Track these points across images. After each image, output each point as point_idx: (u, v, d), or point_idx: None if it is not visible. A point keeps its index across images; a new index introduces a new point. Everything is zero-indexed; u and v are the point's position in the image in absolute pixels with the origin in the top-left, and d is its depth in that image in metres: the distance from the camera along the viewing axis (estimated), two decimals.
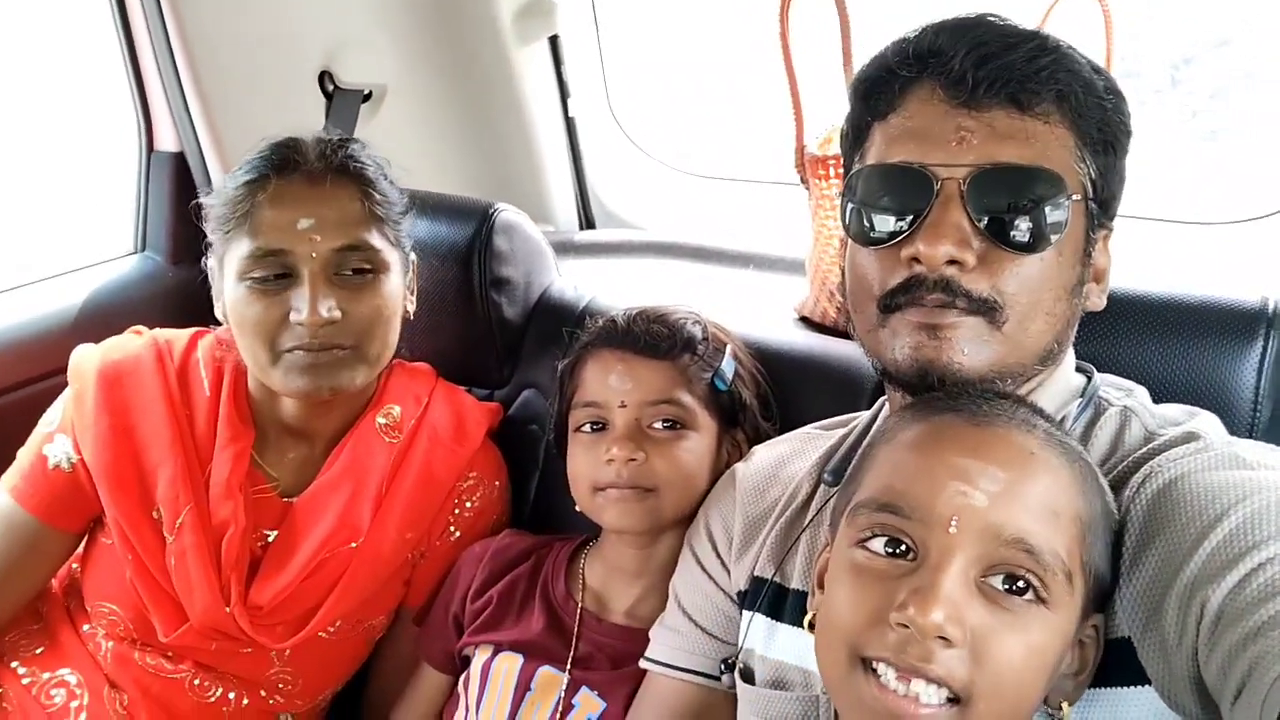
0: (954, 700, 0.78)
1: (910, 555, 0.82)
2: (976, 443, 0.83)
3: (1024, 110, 0.93)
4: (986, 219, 0.92)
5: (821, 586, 0.91)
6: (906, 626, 0.78)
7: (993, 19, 0.96)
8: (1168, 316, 1.14)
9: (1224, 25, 2.07)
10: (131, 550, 1.35)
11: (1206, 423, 0.97)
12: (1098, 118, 0.95)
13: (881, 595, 0.81)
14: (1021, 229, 0.92)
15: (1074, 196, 0.94)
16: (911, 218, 0.94)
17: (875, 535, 0.84)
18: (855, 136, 1.04)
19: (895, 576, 0.81)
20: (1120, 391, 1.02)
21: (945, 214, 0.92)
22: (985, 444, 0.83)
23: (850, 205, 0.99)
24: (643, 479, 1.27)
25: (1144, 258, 1.62)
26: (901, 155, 0.96)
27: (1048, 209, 0.92)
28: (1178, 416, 0.98)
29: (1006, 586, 0.80)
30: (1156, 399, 1.03)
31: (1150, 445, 0.94)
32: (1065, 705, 0.86)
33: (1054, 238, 0.92)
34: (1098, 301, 1.03)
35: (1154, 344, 1.13)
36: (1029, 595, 0.80)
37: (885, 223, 0.96)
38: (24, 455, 1.41)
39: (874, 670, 0.80)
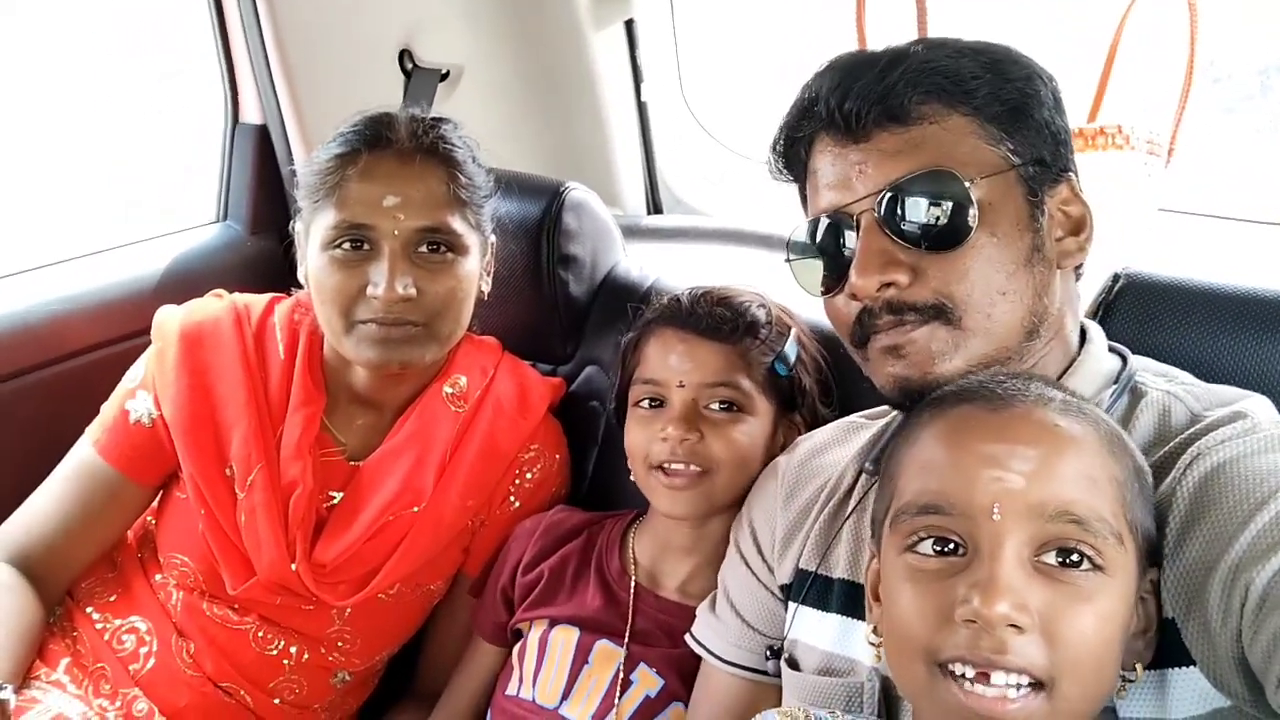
0: (1037, 685, 0.77)
1: (960, 552, 0.82)
2: (999, 427, 0.83)
3: (904, 122, 0.97)
4: (905, 233, 0.96)
5: (877, 598, 0.91)
6: (974, 621, 0.77)
7: (850, 52, 1.02)
8: (1240, 310, 1.11)
9: None
10: (205, 505, 1.40)
11: (1256, 404, 0.95)
12: (985, 93, 0.97)
13: (941, 594, 0.80)
14: (937, 229, 0.95)
15: (983, 177, 0.95)
16: (846, 261, 0.99)
17: (922, 539, 0.84)
18: (803, 199, 1.10)
19: (951, 574, 0.81)
20: (1161, 378, 1.01)
21: (868, 245, 0.97)
22: (1008, 426, 0.83)
23: (799, 262, 1.06)
24: (697, 458, 1.27)
25: (1232, 257, 1.60)
26: (823, 207, 1.02)
27: (956, 201, 0.94)
28: (1227, 396, 0.96)
29: (1061, 560, 0.79)
30: None
31: (1195, 427, 0.92)
32: (1139, 667, 0.85)
33: (974, 224, 0.94)
34: (1079, 256, 1.02)
35: (1225, 337, 1.10)
36: (1085, 566, 0.79)
37: (828, 273, 1.04)
38: (107, 410, 1.47)
39: (952, 673, 0.79)
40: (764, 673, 1.17)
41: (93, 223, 2.75)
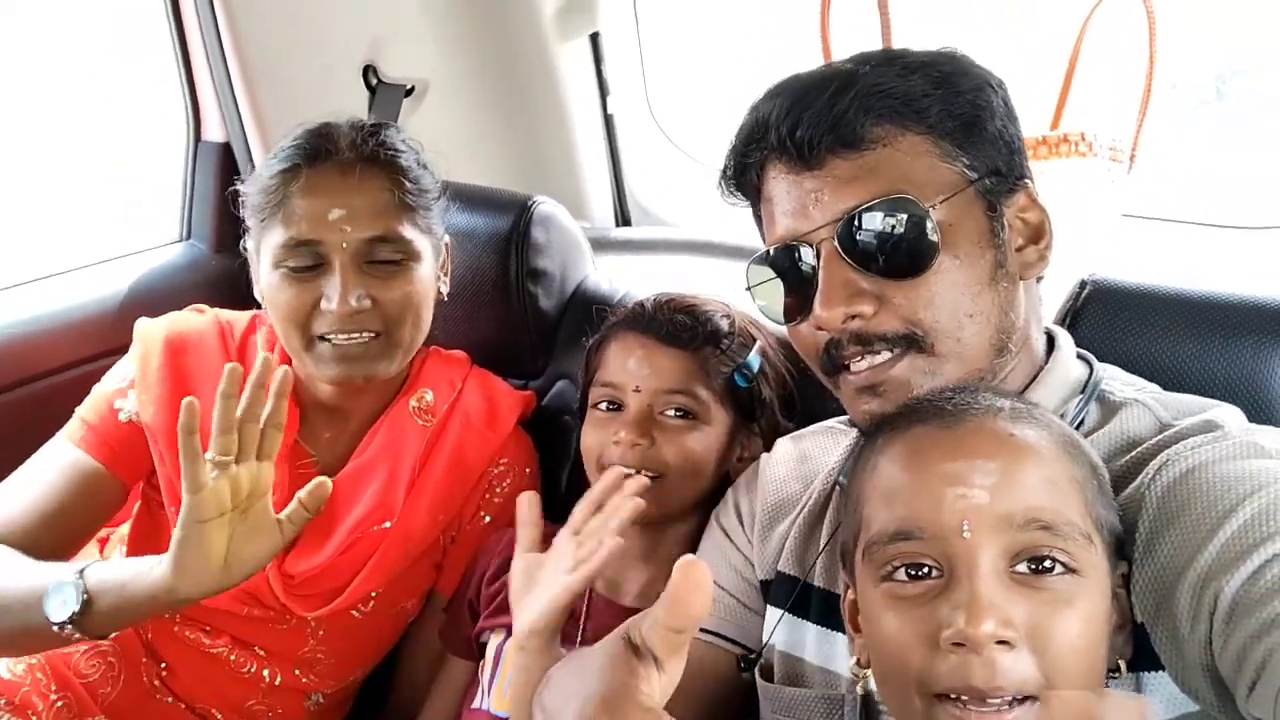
0: (1031, 697, 0.77)
1: (936, 575, 0.81)
2: (955, 443, 0.83)
3: (858, 148, 0.95)
4: (868, 263, 0.94)
5: (857, 629, 0.91)
6: (961, 644, 0.77)
7: (798, 75, 1.00)
8: (1206, 315, 1.13)
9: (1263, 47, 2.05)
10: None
11: (1226, 413, 0.95)
12: (937, 110, 0.96)
13: (925, 620, 0.80)
14: (902, 257, 0.94)
15: (942, 199, 0.94)
16: (808, 288, 0.98)
17: (897, 568, 0.83)
18: (758, 221, 1.08)
19: (932, 597, 0.80)
20: (1129, 386, 1.01)
21: (831, 275, 0.96)
22: (963, 442, 0.83)
23: (761, 288, 1.04)
24: (649, 463, 1.28)
25: (1189, 260, 1.62)
26: (780, 235, 1.00)
27: (917, 227, 0.93)
28: (1195, 406, 0.96)
29: (1034, 568, 0.79)
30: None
31: (1164, 435, 0.92)
32: (1122, 664, 0.85)
33: (936, 248, 0.94)
34: (1040, 266, 1.02)
35: (1192, 342, 1.12)
36: (1058, 570, 0.79)
37: (790, 300, 1.01)
38: (89, 411, 1.42)
39: (947, 695, 0.78)
40: (724, 638, 1.16)
41: (92, 222, 2.75)
